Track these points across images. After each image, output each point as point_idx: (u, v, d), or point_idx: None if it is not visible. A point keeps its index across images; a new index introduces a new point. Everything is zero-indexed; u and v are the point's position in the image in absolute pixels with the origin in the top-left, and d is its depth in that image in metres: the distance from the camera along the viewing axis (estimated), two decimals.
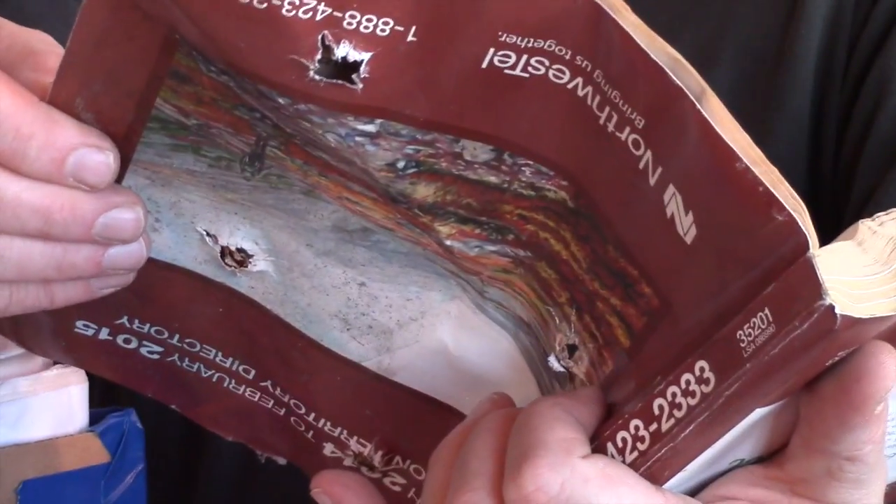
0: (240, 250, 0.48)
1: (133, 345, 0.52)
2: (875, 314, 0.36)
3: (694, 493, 0.41)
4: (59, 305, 0.45)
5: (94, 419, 0.59)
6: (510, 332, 0.47)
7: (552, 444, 0.39)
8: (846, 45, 0.62)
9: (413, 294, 0.47)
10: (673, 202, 0.38)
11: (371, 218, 0.45)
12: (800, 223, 0.36)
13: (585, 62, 0.38)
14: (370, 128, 0.40)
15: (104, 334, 0.51)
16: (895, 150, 0.60)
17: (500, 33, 0.38)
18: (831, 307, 0.35)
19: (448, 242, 0.44)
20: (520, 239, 0.44)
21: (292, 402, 0.52)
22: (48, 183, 0.42)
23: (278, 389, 0.52)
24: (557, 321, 0.44)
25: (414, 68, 0.39)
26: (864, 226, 0.39)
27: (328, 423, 0.52)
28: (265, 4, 0.37)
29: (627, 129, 0.39)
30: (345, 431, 0.52)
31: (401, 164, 0.41)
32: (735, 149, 0.37)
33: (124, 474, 0.60)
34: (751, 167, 0.36)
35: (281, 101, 0.40)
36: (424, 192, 0.42)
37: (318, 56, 0.38)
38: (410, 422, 0.51)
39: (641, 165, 0.39)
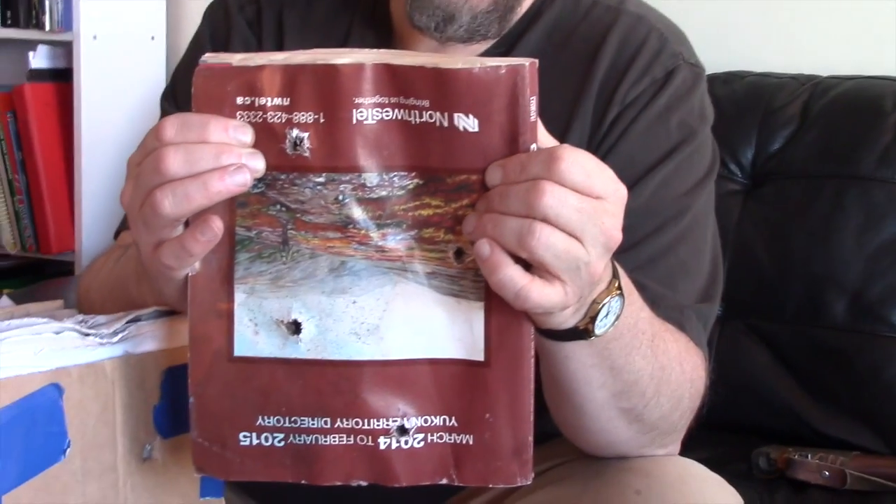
0: (295, 322, 0.76)
1: (269, 441, 0.78)
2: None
3: None
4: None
5: None
6: (428, 286, 0.76)
7: None
8: None
9: (377, 294, 0.76)
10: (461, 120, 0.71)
11: (342, 253, 0.76)
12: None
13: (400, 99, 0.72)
14: (321, 179, 0.74)
15: (254, 439, 0.78)
16: None
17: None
18: None
19: (381, 242, 0.75)
20: (408, 224, 0.75)
21: (353, 421, 0.77)
22: None
23: (343, 421, 0.77)
24: (444, 251, 0.75)
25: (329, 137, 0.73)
26: None
27: (375, 420, 0.76)
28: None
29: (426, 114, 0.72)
30: (388, 419, 0.76)
31: (341, 197, 0.74)
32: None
33: None
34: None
35: (282, 176, 0.74)
36: (357, 213, 0.75)
37: (286, 140, 0.73)
38: (418, 383, 0.77)
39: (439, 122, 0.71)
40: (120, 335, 0.81)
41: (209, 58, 0.74)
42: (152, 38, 2.28)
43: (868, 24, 1.86)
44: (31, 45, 2.22)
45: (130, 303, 0.88)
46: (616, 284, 0.79)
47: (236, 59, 0.74)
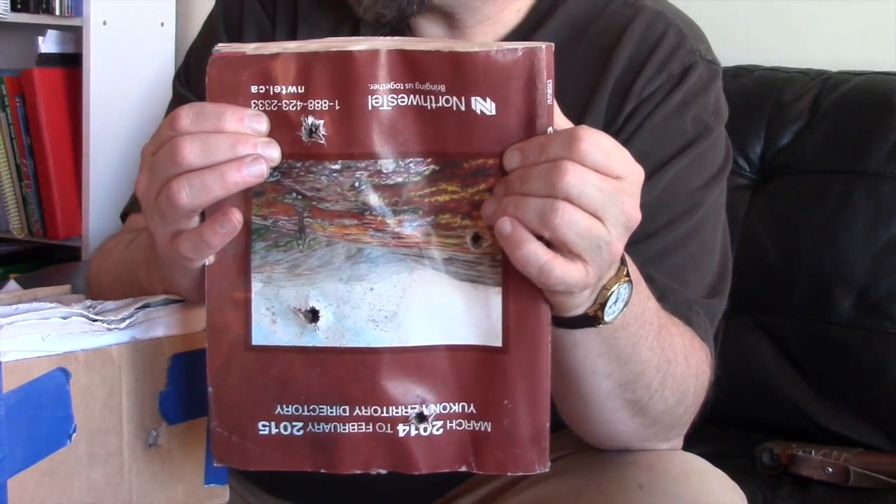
0: (312, 310, 0.76)
1: (288, 430, 0.77)
2: None
3: None
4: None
5: None
6: (445, 271, 0.76)
7: None
8: None
9: (394, 281, 0.76)
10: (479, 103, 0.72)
11: (359, 240, 0.75)
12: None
13: (423, 85, 0.72)
14: (337, 166, 0.74)
15: (273, 429, 0.77)
16: None
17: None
18: None
19: (398, 229, 0.75)
20: (425, 210, 0.75)
21: (372, 409, 0.76)
22: None
23: (362, 408, 0.76)
24: (461, 237, 0.75)
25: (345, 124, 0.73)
26: None
27: (394, 408, 0.76)
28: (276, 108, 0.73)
29: (443, 99, 0.72)
30: (407, 407, 0.76)
31: (357, 184, 0.75)
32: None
33: None
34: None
35: (298, 164, 0.74)
36: (374, 200, 0.75)
37: (302, 128, 0.73)
38: (436, 370, 0.76)
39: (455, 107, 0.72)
40: (128, 321, 0.82)
41: (223, 47, 0.74)
42: (162, 24, 2.28)
43: (879, 19, 1.86)
44: (41, 29, 2.22)
45: (139, 289, 0.88)
46: (625, 271, 0.80)
47: (250, 47, 0.74)
